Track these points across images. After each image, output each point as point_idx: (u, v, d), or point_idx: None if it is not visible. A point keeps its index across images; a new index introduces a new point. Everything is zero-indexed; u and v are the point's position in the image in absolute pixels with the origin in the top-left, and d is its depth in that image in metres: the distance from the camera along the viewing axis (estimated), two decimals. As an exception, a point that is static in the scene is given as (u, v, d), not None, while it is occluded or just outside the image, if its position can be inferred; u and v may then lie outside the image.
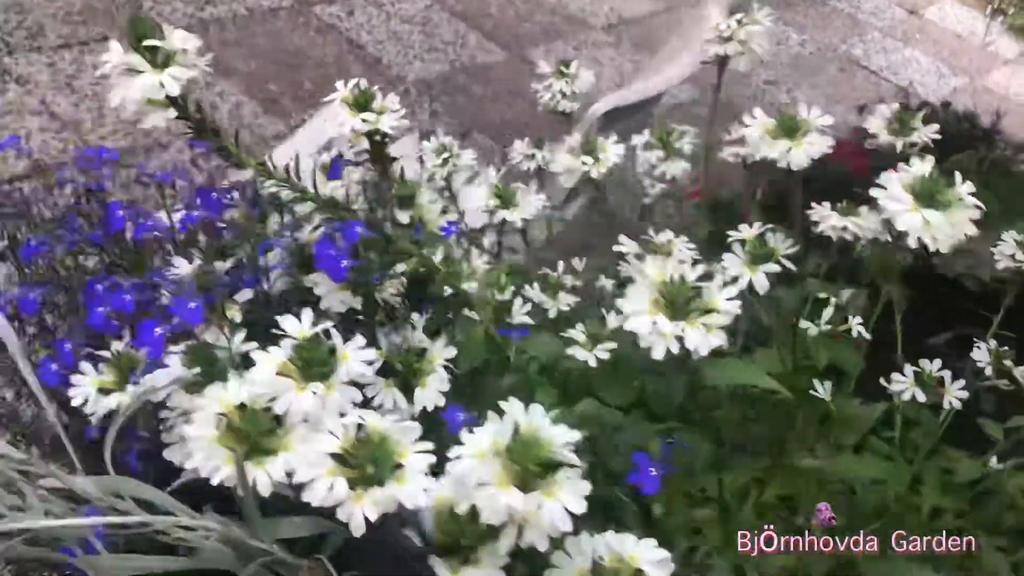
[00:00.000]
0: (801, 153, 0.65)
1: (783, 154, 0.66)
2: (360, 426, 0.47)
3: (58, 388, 0.61)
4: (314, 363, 0.49)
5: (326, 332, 0.50)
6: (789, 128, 0.66)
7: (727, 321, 0.53)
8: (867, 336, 0.78)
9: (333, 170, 0.75)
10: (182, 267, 0.61)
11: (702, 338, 0.52)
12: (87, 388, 0.60)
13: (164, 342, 0.51)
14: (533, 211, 0.75)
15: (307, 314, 0.51)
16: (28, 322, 0.64)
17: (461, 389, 0.64)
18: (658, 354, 0.52)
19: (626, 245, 0.83)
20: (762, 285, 0.71)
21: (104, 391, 0.59)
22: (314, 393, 0.48)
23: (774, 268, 0.71)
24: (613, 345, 0.74)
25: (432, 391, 0.62)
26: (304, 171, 0.72)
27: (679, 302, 0.53)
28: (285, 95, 2.71)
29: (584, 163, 0.82)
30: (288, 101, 2.77)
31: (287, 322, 0.50)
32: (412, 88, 2.78)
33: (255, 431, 0.47)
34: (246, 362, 0.54)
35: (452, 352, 0.64)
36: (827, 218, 0.87)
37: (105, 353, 0.61)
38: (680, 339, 0.52)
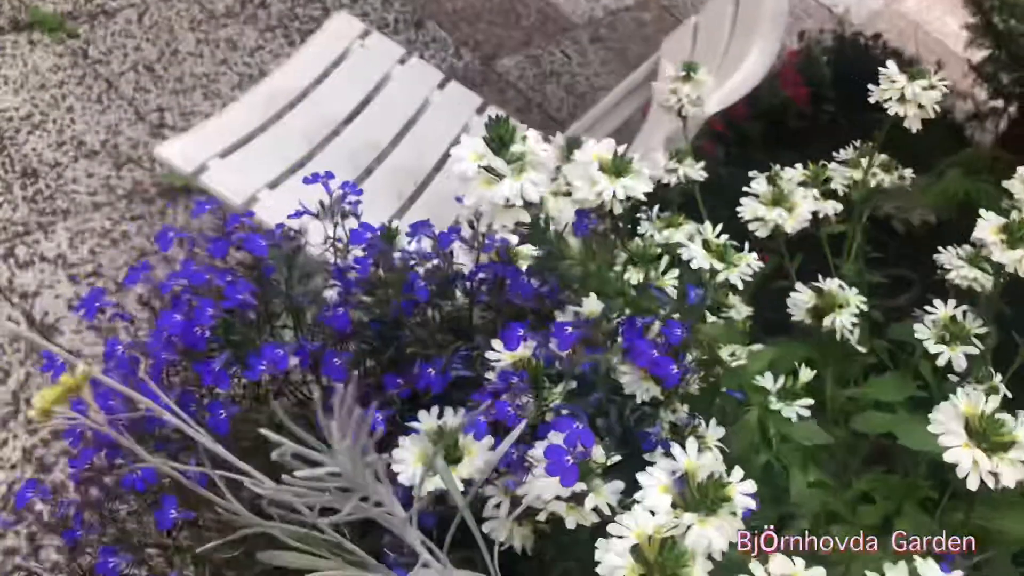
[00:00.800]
0: (1035, 265, 0.72)
1: (1015, 262, 0.73)
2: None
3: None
4: (713, 500, 0.53)
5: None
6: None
7: (1029, 457, 0.60)
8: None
9: (579, 225, 0.76)
10: (503, 354, 0.63)
11: (1012, 473, 0.59)
12: (408, 465, 0.62)
13: (578, 471, 0.54)
14: (751, 271, 0.78)
15: (692, 444, 0.55)
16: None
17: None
18: (973, 485, 0.59)
19: (802, 293, 0.89)
20: (960, 366, 0.79)
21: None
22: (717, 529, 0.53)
23: (972, 351, 0.79)
24: (810, 400, 0.81)
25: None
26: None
27: (991, 438, 0.60)
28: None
29: (780, 217, 0.86)
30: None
31: (676, 450, 0.55)
32: (362, -33, 2.66)
33: (673, 566, 0.51)
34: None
35: (722, 432, 0.69)
36: (959, 268, 0.95)
37: (417, 425, 0.63)
38: (995, 475, 0.59)
